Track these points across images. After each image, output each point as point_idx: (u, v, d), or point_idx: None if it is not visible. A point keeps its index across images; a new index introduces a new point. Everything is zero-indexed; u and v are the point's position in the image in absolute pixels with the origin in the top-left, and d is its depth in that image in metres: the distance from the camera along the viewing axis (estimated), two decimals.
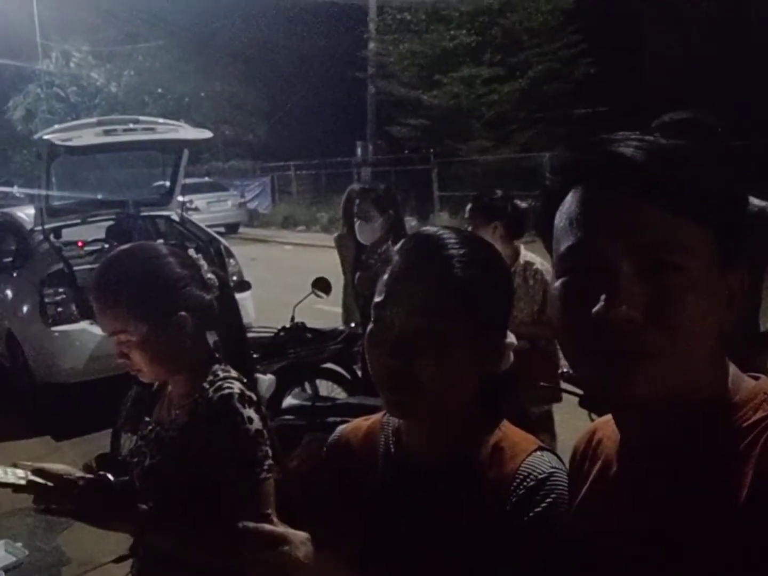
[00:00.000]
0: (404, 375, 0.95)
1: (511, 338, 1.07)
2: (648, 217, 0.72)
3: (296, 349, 4.10)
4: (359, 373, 4.34)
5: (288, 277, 10.00)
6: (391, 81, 18.99)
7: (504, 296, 1.04)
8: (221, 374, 1.49)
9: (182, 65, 25.73)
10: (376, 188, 4.15)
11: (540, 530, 0.91)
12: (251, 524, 0.90)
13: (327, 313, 5.66)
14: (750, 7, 15.62)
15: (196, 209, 17.18)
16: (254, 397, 1.46)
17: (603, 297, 0.71)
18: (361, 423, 1.16)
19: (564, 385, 2.45)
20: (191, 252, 1.63)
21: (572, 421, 3.13)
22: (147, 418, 1.62)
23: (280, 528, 0.91)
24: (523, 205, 3.30)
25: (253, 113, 26.52)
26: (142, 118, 6.38)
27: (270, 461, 1.40)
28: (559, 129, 17.01)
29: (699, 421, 0.76)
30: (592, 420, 2.20)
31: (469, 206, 3.28)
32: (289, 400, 3.38)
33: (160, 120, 6.52)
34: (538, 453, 0.98)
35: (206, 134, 6.39)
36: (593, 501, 0.87)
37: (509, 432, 1.02)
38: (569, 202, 0.78)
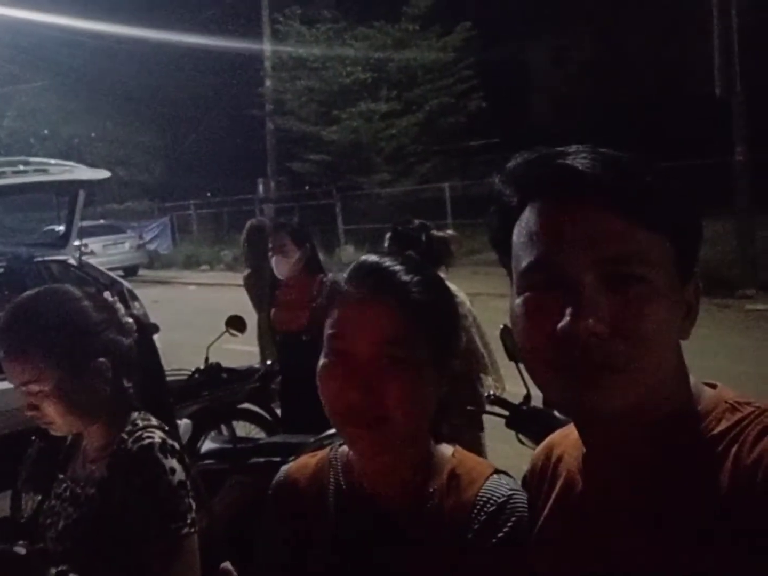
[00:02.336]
0: (370, 407, 0.92)
1: None
2: (610, 229, 0.72)
3: (212, 391, 3.97)
4: (278, 411, 4.24)
5: (193, 318, 9.73)
6: (290, 117, 19.07)
7: (456, 319, 1.05)
8: (141, 423, 1.42)
9: (69, 106, 24.87)
10: (291, 222, 4.10)
11: (505, 554, 0.90)
12: None
13: (238, 353, 5.52)
14: (625, 42, 16.81)
15: (91, 253, 16.50)
16: (176, 446, 1.39)
17: (568, 311, 0.71)
18: (308, 460, 1.12)
19: (490, 408, 2.48)
20: (106, 295, 1.55)
21: (497, 444, 3.16)
22: (61, 476, 1.51)
23: None
24: (439, 234, 3.32)
25: (149, 153, 25.91)
26: (32, 159, 6.06)
27: (193, 515, 1.33)
28: (455, 160, 17.60)
29: (666, 433, 0.76)
30: (520, 440, 2.24)
31: (388, 235, 3.29)
32: (208, 444, 3.25)
33: (52, 161, 6.22)
34: (495, 477, 0.98)
35: (103, 174, 6.14)
36: (559, 520, 0.85)
37: (463, 458, 1.01)
38: (527, 218, 0.77)
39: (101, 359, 1.40)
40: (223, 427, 4.20)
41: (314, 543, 1.02)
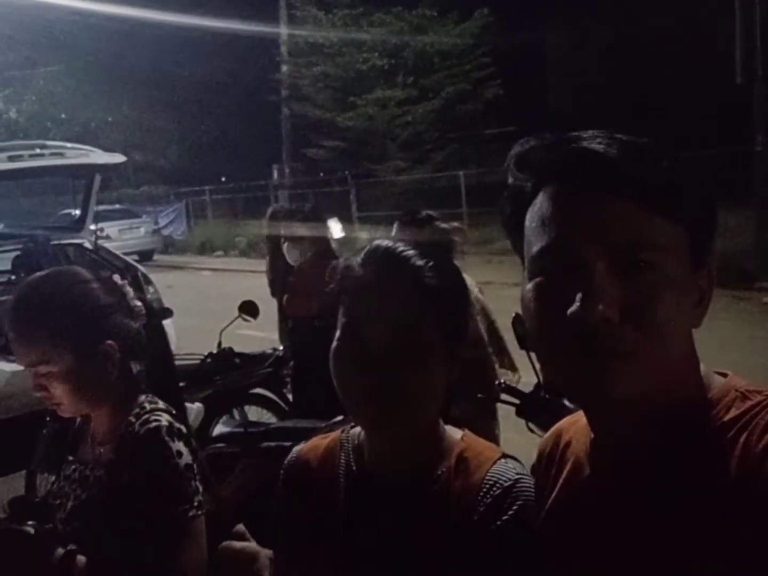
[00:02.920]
0: (385, 390, 0.93)
1: None
2: (623, 215, 0.71)
3: (224, 376, 3.98)
4: (290, 396, 4.25)
5: (207, 303, 9.77)
6: (306, 103, 19.05)
7: (468, 306, 1.06)
8: (148, 406, 1.42)
9: (87, 89, 24.98)
10: (303, 209, 4.10)
11: (510, 537, 0.91)
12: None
13: (251, 339, 5.54)
14: (643, 30, 16.60)
15: (107, 237, 16.60)
16: (184, 429, 1.40)
17: (579, 297, 0.70)
18: (319, 442, 1.13)
19: (501, 396, 2.47)
20: (116, 278, 1.55)
21: (507, 433, 3.15)
22: (70, 457, 1.52)
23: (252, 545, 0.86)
24: (443, 226, 3.30)
25: (165, 138, 26.00)
26: (49, 143, 6.09)
27: (200, 497, 1.34)
28: (470, 148, 17.50)
29: (676, 420, 0.75)
30: (530, 429, 2.23)
31: (396, 224, 3.28)
32: (219, 428, 3.27)
33: (69, 144, 6.24)
34: (503, 461, 0.98)
35: (119, 158, 6.16)
36: (565, 505, 0.85)
37: (472, 442, 1.02)
38: (540, 202, 0.76)
39: (109, 342, 1.40)
40: (235, 412, 4.23)
41: (324, 523, 1.03)
